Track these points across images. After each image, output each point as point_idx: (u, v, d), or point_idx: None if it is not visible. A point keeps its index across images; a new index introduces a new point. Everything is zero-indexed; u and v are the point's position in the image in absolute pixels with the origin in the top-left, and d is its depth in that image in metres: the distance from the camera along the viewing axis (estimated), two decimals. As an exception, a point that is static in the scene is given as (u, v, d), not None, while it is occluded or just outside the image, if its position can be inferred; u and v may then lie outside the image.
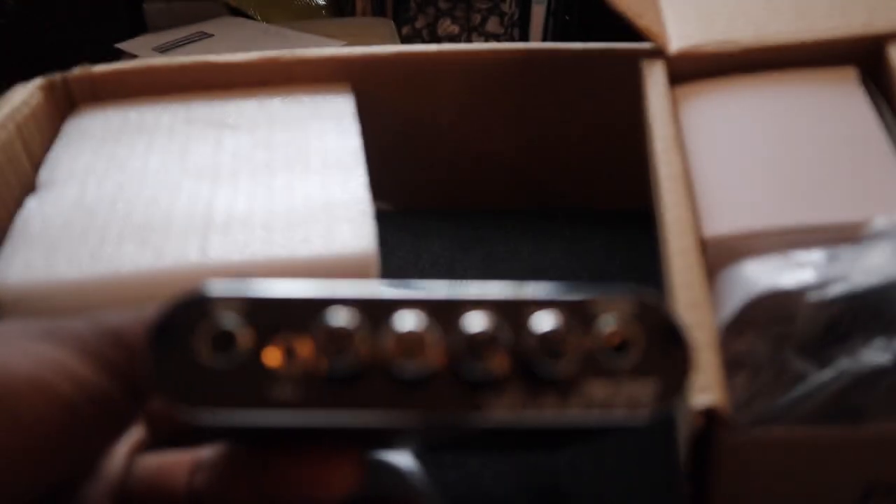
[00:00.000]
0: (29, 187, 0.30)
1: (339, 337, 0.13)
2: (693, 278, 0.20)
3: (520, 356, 0.13)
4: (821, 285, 0.20)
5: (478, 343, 0.13)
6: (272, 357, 0.14)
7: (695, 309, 0.20)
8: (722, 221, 0.23)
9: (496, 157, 0.37)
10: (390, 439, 0.19)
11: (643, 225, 0.29)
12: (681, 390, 0.14)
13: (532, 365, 0.13)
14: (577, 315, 0.14)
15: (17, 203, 0.29)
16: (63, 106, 0.34)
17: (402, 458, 0.22)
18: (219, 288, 0.14)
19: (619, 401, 0.14)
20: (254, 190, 0.28)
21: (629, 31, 0.30)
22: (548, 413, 0.14)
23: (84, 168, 0.30)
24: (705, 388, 0.17)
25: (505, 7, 0.98)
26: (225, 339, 0.13)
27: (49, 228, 0.27)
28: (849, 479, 0.18)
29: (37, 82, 0.33)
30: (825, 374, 0.20)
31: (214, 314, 0.13)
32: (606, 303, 0.14)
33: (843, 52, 0.28)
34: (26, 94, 0.32)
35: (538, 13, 0.97)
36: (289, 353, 0.14)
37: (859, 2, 0.30)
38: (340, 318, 0.13)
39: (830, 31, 0.29)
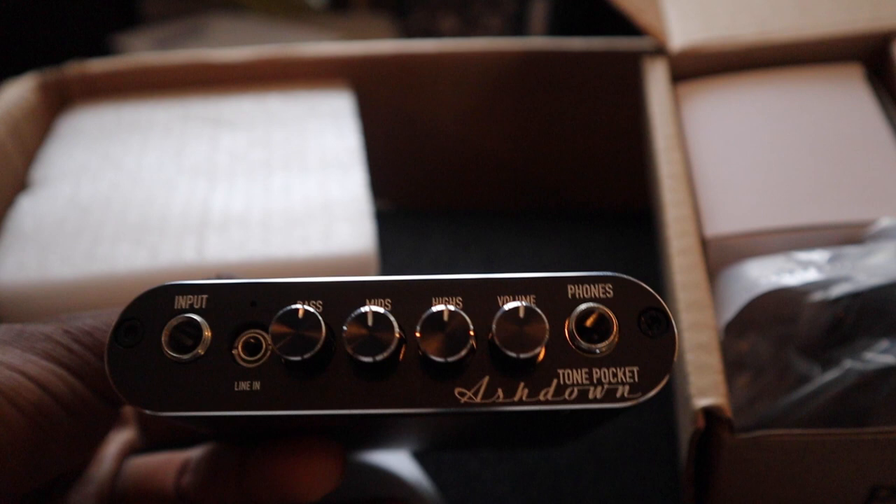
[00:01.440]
0: (21, 185, 0.30)
1: (304, 328, 0.13)
2: (694, 278, 0.20)
3: (492, 344, 0.13)
4: (824, 285, 0.20)
5: (448, 331, 0.13)
6: (236, 351, 0.13)
7: (696, 309, 0.19)
8: (724, 221, 0.23)
9: (496, 156, 0.37)
10: (374, 436, 0.19)
11: (643, 225, 0.29)
12: (664, 376, 0.13)
13: (506, 352, 0.13)
14: (552, 300, 0.13)
15: (10, 202, 0.28)
16: (56, 102, 0.33)
17: (399, 460, 0.22)
18: (178, 284, 0.14)
19: (594, 387, 0.13)
20: (251, 189, 0.28)
21: (630, 28, 0.30)
22: (522, 400, 0.13)
23: (78, 166, 0.30)
24: (707, 389, 0.17)
25: (505, 3, 0.97)
26: (187, 335, 0.13)
27: (42, 227, 0.26)
28: (853, 481, 0.18)
29: (30, 78, 0.32)
30: (828, 375, 0.20)
31: (175, 310, 0.13)
32: (584, 286, 0.13)
33: (847, 48, 0.28)
34: (19, 90, 0.31)
35: (538, 8, 0.96)
36: (253, 347, 0.13)
37: (862, -2, 0.29)
38: (305, 309, 0.13)
39: (834, 28, 0.28)
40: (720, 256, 0.23)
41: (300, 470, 0.15)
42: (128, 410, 0.19)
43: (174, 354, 0.13)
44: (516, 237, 0.34)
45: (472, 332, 0.13)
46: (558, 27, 0.94)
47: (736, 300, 0.21)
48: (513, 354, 0.13)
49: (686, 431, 0.18)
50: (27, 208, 0.27)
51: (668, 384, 0.27)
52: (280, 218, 0.27)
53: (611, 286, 0.13)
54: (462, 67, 0.34)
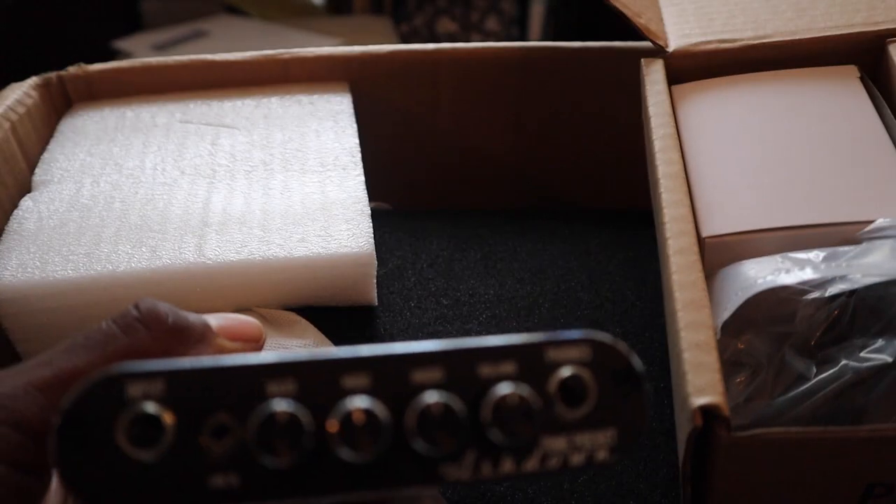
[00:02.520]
0: (24, 187, 0.30)
1: (280, 422, 0.12)
2: (692, 277, 0.20)
3: (476, 424, 0.13)
4: (820, 284, 0.20)
5: (433, 419, 0.12)
6: (204, 442, 0.12)
7: (694, 308, 0.19)
8: (721, 221, 0.23)
9: (495, 156, 0.37)
10: None
11: (643, 225, 0.29)
12: (638, 436, 0.13)
13: (489, 433, 0.13)
14: (531, 368, 0.13)
15: (13, 202, 0.28)
16: (59, 105, 0.33)
17: None
18: (128, 372, 0.12)
19: (576, 452, 0.13)
20: (251, 189, 0.28)
21: (629, 30, 0.30)
22: (505, 472, 0.13)
23: (80, 167, 0.30)
24: (704, 388, 0.17)
25: (504, 5, 0.98)
26: (147, 426, 0.12)
27: (44, 228, 0.27)
28: (849, 479, 0.18)
29: (32, 81, 0.32)
30: (824, 374, 0.20)
31: (131, 398, 0.12)
32: (562, 350, 0.13)
33: (843, 50, 0.28)
34: (21, 92, 0.31)
35: (537, 11, 0.97)
36: (222, 437, 0.12)
37: None
38: (282, 401, 0.12)
39: (831, 29, 0.29)
40: (717, 256, 0.23)
41: None
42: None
43: (133, 450, 0.12)
44: (516, 237, 0.34)
45: (458, 419, 0.12)
46: (557, 31, 0.94)
47: (733, 299, 0.21)
48: (497, 436, 0.13)
49: (684, 430, 0.18)
50: (29, 209, 0.28)
51: (667, 385, 0.27)
52: (279, 218, 0.27)
53: (589, 348, 0.13)
54: (461, 68, 0.35)
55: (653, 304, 0.30)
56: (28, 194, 0.29)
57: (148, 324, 0.15)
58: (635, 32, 0.30)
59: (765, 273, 0.21)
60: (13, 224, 0.27)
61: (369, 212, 0.27)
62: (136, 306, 0.15)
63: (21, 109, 0.31)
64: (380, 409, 0.12)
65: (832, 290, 0.20)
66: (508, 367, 0.13)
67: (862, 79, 0.28)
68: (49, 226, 0.27)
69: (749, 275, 0.21)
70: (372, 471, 0.13)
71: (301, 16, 0.98)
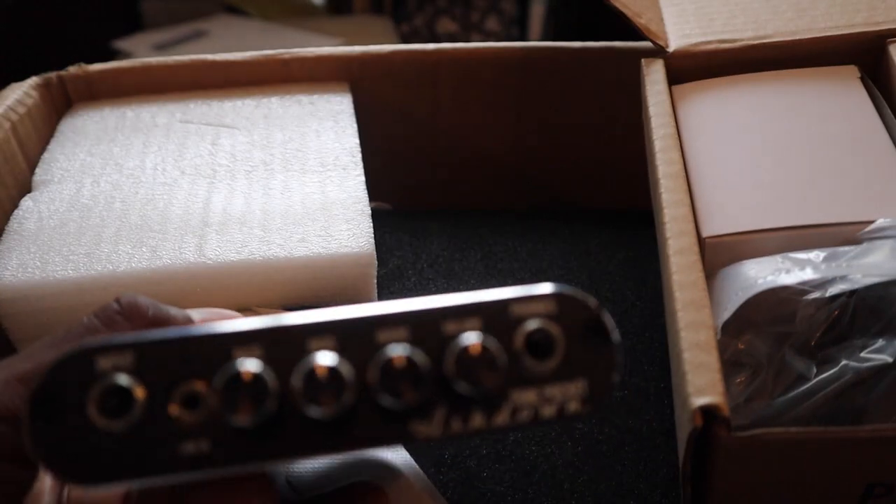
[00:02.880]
0: (24, 186, 0.30)
1: (245, 382, 0.12)
2: (692, 278, 0.20)
3: (442, 378, 0.13)
4: (820, 284, 0.20)
5: (396, 372, 0.12)
6: (175, 410, 0.12)
7: (694, 308, 0.19)
8: (721, 221, 0.23)
9: (495, 156, 0.37)
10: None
11: (643, 225, 0.29)
12: (611, 388, 0.13)
13: (456, 385, 0.13)
14: (497, 323, 0.13)
15: (13, 202, 0.28)
16: (59, 105, 0.33)
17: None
18: (97, 346, 0.12)
19: (547, 404, 0.13)
20: (251, 189, 0.28)
21: (629, 31, 0.30)
22: (476, 426, 0.13)
23: (80, 167, 0.30)
24: (705, 388, 0.17)
25: (504, 5, 0.98)
26: (118, 398, 0.12)
27: (45, 228, 0.27)
28: (849, 479, 0.18)
29: (32, 81, 0.32)
30: (824, 374, 0.20)
31: (101, 371, 0.12)
32: (527, 305, 0.13)
33: (843, 50, 0.28)
34: (22, 92, 0.31)
35: (537, 11, 0.97)
36: (191, 404, 0.12)
37: None
38: (246, 361, 0.12)
39: (831, 29, 0.29)
40: (717, 256, 0.23)
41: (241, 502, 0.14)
42: None
43: (105, 422, 0.12)
44: (515, 237, 0.34)
45: (422, 372, 0.12)
46: (557, 31, 0.94)
47: (733, 299, 0.21)
48: (464, 388, 0.13)
49: (684, 430, 0.18)
50: (30, 209, 0.28)
51: (667, 385, 0.27)
52: (280, 218, 0.27)
53: (553, 301, 0.13)
54: (461, 68, 0.35)
55: (653, 304, 0.30)
56: (28, 194, 0.29)
57: (129, 316, 0.15)
58: (635, 32, 0.30)
59: (765, 273, 0.21)
60: (13, 224, 0.27)
61: (370, 212, 0.27)
62: (118, 300, 0.15)
63: (21, 109, 0.31)
64: (343, 366, 0.12)
65: (832, 291, 0.20)
66: (473, 324, 0.13)
67: (862, 79, 0.28)
68: (49, 226, 0.27)
69: (749, 275, 0.21)
70: (341, 428, 0.13)
71: (301, 16, 0.98)
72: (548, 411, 0.13)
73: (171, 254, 0.25)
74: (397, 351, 0.13)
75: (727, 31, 0.30)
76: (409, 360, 0.12)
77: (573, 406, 0.13)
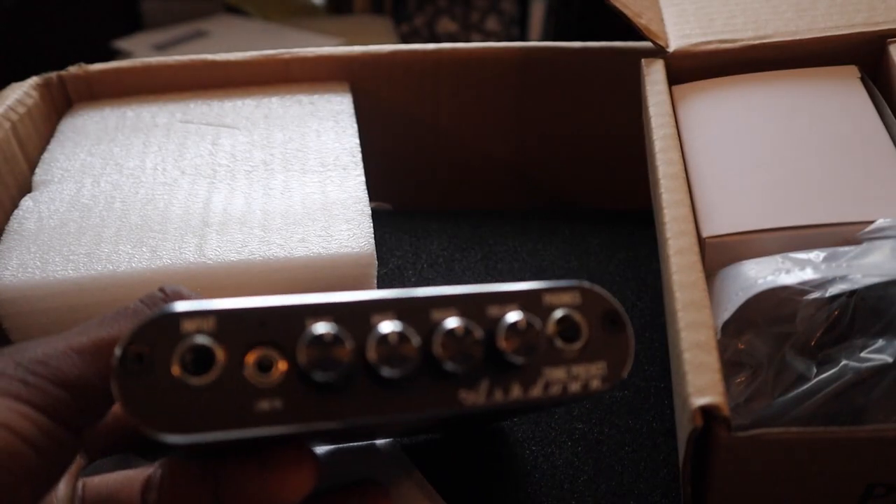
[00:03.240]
0: (25, 186, 0.30)
1: (318, 345, 0.13)
2: (692, 278, 0.20)
3: (495, 351, 0.15)
4: (820, 284, 0.20)
5: (455, 338, 0.14)
6: (251, 371, 0.13)
7: (694, 308, 0.19)
8: (721, 221, 0.23)
9: (495, 156, 0.37)
10: (362, 436, 0.20)
11: (643, 225, 0.29)
12: (625, 368, 0.16)
13: (501, 357, 0.15)
14: (533, 309, 0.15)
15: (13, 202, 0.28)
16: (59, 104, 0.33)
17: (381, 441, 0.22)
18: (188, 306, 0.14)
19: (574, 381, 0.15)
20: (251, 189, 0.28)
21: (629, 31, 0.30)
22: (514, 397, 0.15)
23: (80, 167, 0.30)
24: (705, 388, 0.17)
25: (504, 5, 0.98)
26: (200, 357, 0.13)
27: (45, 228, 0.27)
28: (849, 479, 0.18)
29: (32, 81, 0.32)
30: (825, 374, 0.20)
31: (185, 332, 0.13)
32: (557, 295, 0.16)
33: (843, 50, 0.28)
34: (22, 92, 0.31)
35: (537, 11, 0.97)
36: (267, 366, 0.14)
37: None
38: (318, 326, 0.14)
39: (831, 30, 0.29)
40: (717, 256, 0.23)
41: (276, 481, 0.15)
42: None
43: (188, 378, 0.13)
44: (515, 237, 0.34)
45: (476, 342, 0.14)
46: (557, 31, 0.94)
47: (733, 299, 0.21)
48: (517, 360, 0.15)
49: (684, 430, 0.18)
50: (30, 209, 0.28)
51: (667, 385, 0.27)
52: (280, 218, 0.27)
53: (578, 294, 0.16)
54: (461, 68, 0.35)
55: (653, 304, 0.30)
56: (28, 194, 0.29)
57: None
58: (635, 32, 0.30)
59: (765, 273, 0.21)
60: (13, 224, 0.27)
61: (370, 212, 0.27)
62: (162, 289, 0.17)
63: (21, 109, 0.31)
64: (409, 331, 0.14)
65: (832, 291, 0.20)
66: (513, 308, 0.15)
67: (862, 79, 0.28)
68: (49, 226, 0.27)
69: (749, 275, 0.21)
70: (402, 391, 0.14)
71: (301, 16, 0.98)
72: (574, 387, 0.15)
73: (171, 254, 0.25)
74: (455, 323, 0.15)
75: (727, 31, 0.30)
76: (466, 329, 0.14)
77: (595, 384, 0.15)
